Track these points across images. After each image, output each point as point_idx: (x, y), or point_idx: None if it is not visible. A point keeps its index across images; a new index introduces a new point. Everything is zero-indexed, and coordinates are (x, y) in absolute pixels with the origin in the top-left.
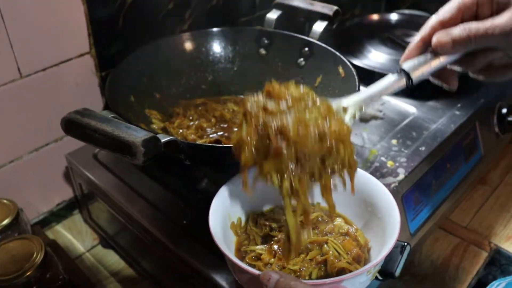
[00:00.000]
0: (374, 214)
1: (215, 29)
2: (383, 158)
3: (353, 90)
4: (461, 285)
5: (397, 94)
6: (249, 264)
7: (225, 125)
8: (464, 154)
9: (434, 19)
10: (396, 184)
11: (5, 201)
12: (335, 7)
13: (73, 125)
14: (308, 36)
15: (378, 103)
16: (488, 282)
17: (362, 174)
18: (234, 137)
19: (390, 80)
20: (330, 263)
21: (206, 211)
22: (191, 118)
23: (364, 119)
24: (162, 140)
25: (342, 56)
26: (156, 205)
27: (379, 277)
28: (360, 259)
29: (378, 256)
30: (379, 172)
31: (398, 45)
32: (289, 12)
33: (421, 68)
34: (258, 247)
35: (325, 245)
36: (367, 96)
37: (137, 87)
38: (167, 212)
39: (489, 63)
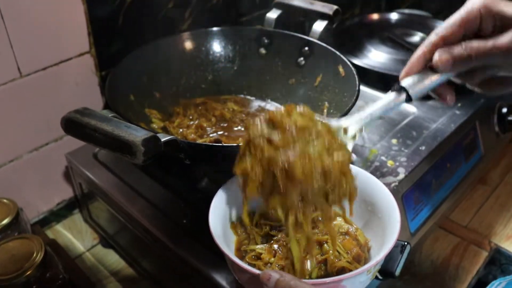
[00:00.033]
0: (374, 213)
1: (215, 29)
2: (383, 158)
3: (353, 89)
4: (461, 284)
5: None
6: (249, 264)
7: (225, 125)
8: (464, 153)
9: (435, 35)
10: (396, 183)
11: (5, 200)
12: (335, 7)
13: (73, 125)
14: (308, 35)
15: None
16: (488, 281)
17: (362, 174)
18: (238, 166)
19: (389, 98)
20: (330, 262)
21: (206, 211)
22: (191, 117)
23: None
24: (162, 140)
25: (342, 56)
26: (156, 205)
27: (379, 277)
28: (360, 259)
29: (378, 255)
30: (379, 172)
31: (398, 45)
32: (289, 12)
33: (420, 85)
34: (258, 246)
35: (325, 245)
36: (368, 115)
37: (137, 86)
38: (167, 212)
39: (487, 77)
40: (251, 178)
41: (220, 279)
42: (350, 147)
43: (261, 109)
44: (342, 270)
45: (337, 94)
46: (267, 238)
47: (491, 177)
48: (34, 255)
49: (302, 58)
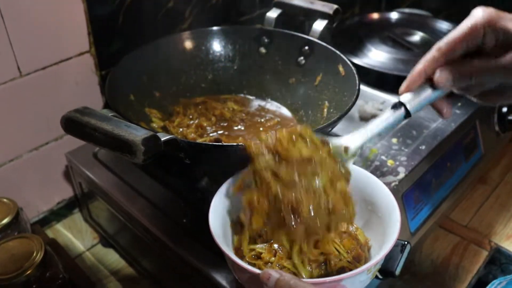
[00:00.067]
0: (374, 213)
1: (215, 28)
2: (383, 157)
3: (353, 88)
4: (461, 284)
5: (397, 93)
6: (249, 263)
7: (225, 124)
8: (464, 153)
9: (437, 51)
10: (396, 183)
11: (5, 200)
12: (335, 6)
13: (73, 124)
14: (308, 34)
15: (378, 102)
16: (489, 281)
17: (362, 173)
18: (245, 197)
19: (388, 115)
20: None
21: (206, 210)
22: (191, 117)
23: (364, 118)
24: (162, 139)
25: (342, 55)
26: (156, 204)
27: (379, 276)
28: (360, 258)
29: (378, 255)
30: (379, 171)
31: (398, 44)
32: (289, 11)
33: (419, 100)
34: (258, 246)
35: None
36: (368, 133)
37: (137, 85)
38: (167, 211)
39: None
40: (258, 211)
41: (220, 278)
42: (350, 165)
43: (261, 108)
44: (342, 270)
45: (337, 93)
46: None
47: (491, 177)
48: (34, 254)
49: (302, 58)
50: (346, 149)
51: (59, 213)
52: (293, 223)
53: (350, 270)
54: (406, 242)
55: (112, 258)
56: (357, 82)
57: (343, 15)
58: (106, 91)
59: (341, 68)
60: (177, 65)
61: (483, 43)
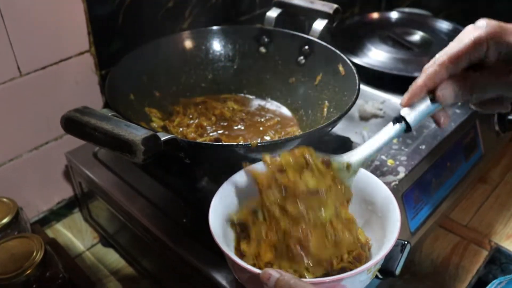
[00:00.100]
0: (374, 212)
1: (215, 28)
2: (383, 157)
3: (353, 88)
4: (462, 283)
5: (397, 92)
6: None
7: (225, 124)
8: (464, 152)
9: (439, 66)
10: (396, 182)
11: (4, 199)
12: (335, 5)
13: (73, 124)
14: (308, 34)
15: (378, 101)
16: (489, 280)
17: (362, 173)
18: (253, 230)
19: (389, 130)
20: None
21: (206, 210)
22: (191, 116)
23: (365, 118)
24: (162, 139)
25: (342, 54)
26: (156, 204)
27: (379, 276)
28: (361, 258)
29: (378, 254)
30: (379, 171)
31: (398, 44)
32: (289, 10)
33: (420, 114)
34: None
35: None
36: (370, 148)
37: (137, 85)
38: (167, 211)
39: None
40: (266, 244)
41: (220, 278)
42: (351, 181)
43: (261, 108)
44: (342, 270)
45: (337, 93)
46: None
47: (491, 176)
48: (34, 254)
49: (302, 57)
50: (348, 166)
51: (59, 212)
52: (301, 253)
53: (350, 270)
54: (406, 242)
55: (112, 257)
56: (357, 81)
57: (343, 15)
58: (106, 90)
59: (341, 68)
60: (177, 65)
61: (485, 57)
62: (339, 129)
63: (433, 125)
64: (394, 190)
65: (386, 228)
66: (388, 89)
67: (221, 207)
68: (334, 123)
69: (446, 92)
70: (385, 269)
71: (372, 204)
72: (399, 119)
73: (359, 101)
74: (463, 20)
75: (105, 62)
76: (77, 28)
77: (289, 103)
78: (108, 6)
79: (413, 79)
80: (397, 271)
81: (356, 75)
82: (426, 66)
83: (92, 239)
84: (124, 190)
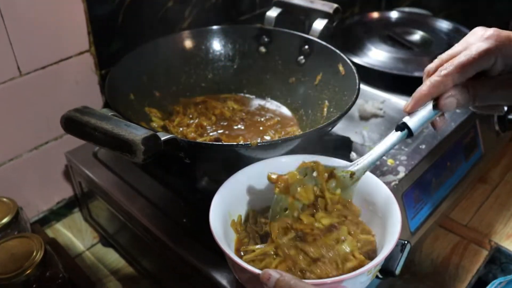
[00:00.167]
0: (375, 213)
1: (215, 27)
2: (383, 156)
3: (353, 88)
4: (462, 283)
5: (397, 92)
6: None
7: (225, 123)
8: (464, 152)
9: (445, 76)
10: (396, 182)
11: (4, 199)
12: (335, 5)
13: (72, 123)
14: (308, 34)
15: (378, 101)
16: (489, 280)
17: None
18: (263, 263)
19: (392, 137)
20: None
21: (206, 210)
22: (191, 116)
23: (365, 118)
24: (162, 138)
25: (342, 54)
26: (156, 204)
27: (380, 276)
28: (372, 256)
29: (379, 256)
30: (379, 170)
31: (398, 43)
32: (289, 10)
33: (422, 120)
34: (258, 246)
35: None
36: (371, 156)
37: (137, 85)
38: (167, 211)
39: None
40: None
41: (220, 278)
42: (353, 190)
43: (261, 108)
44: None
45: (337, 92)
46: (267, 238)
47: (491, 176)
48: (34, 254)
49: (302, 57)
50: (352, 174)
51: (59, 212)
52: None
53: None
54: (406, 242)
55: (112, 257)
56: (357, 81)
57: (343, 14)
58: (106, 90)
59: (341, 67)
60: (177, 65)
61: (491, 67)
62: (339, 129)
63: None
64: (394, 190)
65: (386, 229)
66: (388, 89)
67: (222, 207)
68: (334, 123)
69: (450, 101)
70: (385, 269)
71: (372, 205)
72: (402, 126)
73: (359, 101)
74: (463, 20)
75: (105, 62)
76: (77, 28)
77: (289, 103)
78: (108, 6)
79: (413, 78)
80: (397, 271)
81: (356, 75)
82: (428, 67)
83: (92, 239)
84: (124, 190)
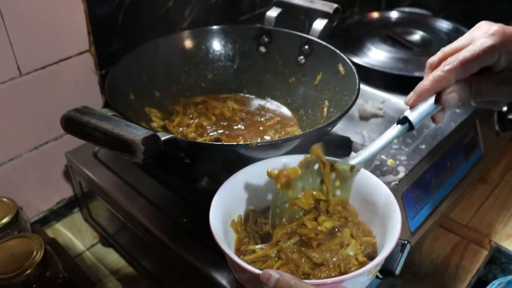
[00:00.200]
0: (375, 213)
1: (215, 27)
2: (383, 156)
3: (353, 88)
4: (462, 283)
5: (397, 92)
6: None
7: (225, 123)
8: (464, 152)
9: (448, 72)
10: (396, 182)
11: (4, 199)
12: (335, 5)
13: (72, 123)
14: (308, 34)
15: (378, 101)
16: (489, 280)
17: (362, 173)
18: (265, 265)
19: (393, 130)
20: None
21: (206, 210)
22: (191, 116)
23: (364, 117)
24: (162, 138)
25: (342, 54)
26: (156, 204)
27: (380, 276)
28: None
29: (379, 256)
30: (379, 170)
31: (398, 43)
32: (289, 10)
33: (423, 114)
34: (258, 246)
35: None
36: (370, 150)
37: (137, 85)
38: (167, 211)
39: None
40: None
41: (220, 278)
42: (352, 182)
43: (261, 108)
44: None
45: (337, 92)
46: (267, 238)
47: (491, 176)
48: (34, 254)
49: (302, 57)
50: (352, 167)
51: (59, 212)
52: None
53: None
54: (406, 242)
55: (112, 257)
56: (357, 81)
57: (343, 14)
58: (106, 90)
59: (341, 67)
60: (177, 65)
61: (495, 64)
62: (339, 129)
63: (433, 125)
64: (394, 190)
65: (386, 229)
66: (388, 89)
67: (222, 207)
68: (334, 123)
69: (452, 96)
70: (385, 269)
71: (372, 205)
72: (403, 120)
73: (359, 101)
74: (463, 20)
75: (105, 62)
76: (77, 28)
77: (289, 103)
78: (108, 6)
79: (413, 78)
80: (397, 271)
81: (356, 75)
82: (430, 60)
83: (92, 239)
84: (124, 190)
